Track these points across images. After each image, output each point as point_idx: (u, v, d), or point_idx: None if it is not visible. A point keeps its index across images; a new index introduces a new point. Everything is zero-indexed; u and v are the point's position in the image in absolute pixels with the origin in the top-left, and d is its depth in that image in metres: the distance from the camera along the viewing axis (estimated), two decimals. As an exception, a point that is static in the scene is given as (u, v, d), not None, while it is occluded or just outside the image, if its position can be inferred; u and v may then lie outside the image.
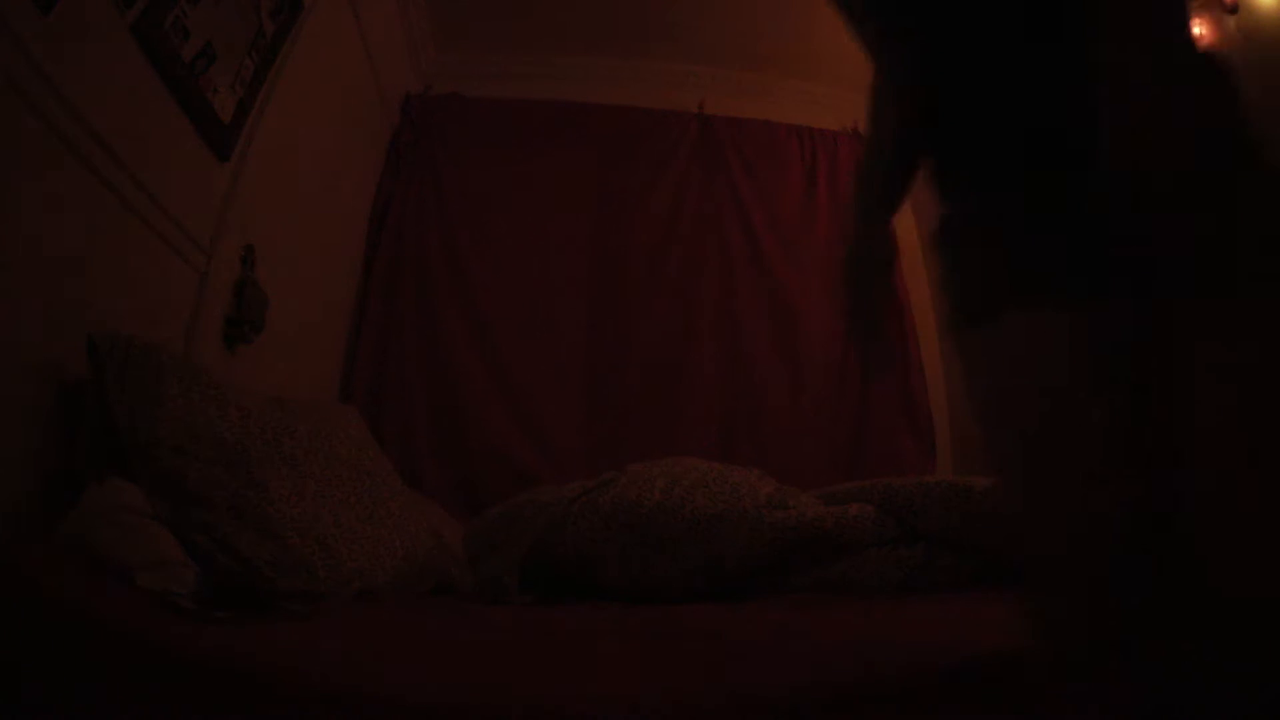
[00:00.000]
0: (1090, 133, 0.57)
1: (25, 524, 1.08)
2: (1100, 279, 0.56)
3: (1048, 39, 0.62)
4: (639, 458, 1.78)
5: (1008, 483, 0.61)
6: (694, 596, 1.38)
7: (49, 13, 1.12)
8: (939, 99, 0.70)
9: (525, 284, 2.84)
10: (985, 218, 0.67)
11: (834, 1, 0.79)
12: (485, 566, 1.56)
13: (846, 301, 0.86)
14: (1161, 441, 0.52)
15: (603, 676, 0.73)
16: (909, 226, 3.20)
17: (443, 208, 2.90)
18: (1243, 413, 0.52)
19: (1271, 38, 1.72)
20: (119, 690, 0.68)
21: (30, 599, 0.77)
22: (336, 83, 2.37)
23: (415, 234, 2.85)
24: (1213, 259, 0.54)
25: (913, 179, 0.83)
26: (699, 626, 0.97)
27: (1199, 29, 1.88)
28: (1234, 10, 1.79)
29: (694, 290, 2.89)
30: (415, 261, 2.81)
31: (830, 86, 3.34)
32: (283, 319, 1.96)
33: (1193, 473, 0.52)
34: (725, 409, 2.72)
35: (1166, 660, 0.48)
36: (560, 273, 2.88)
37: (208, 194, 1.68)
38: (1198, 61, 0.68)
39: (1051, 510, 0.55)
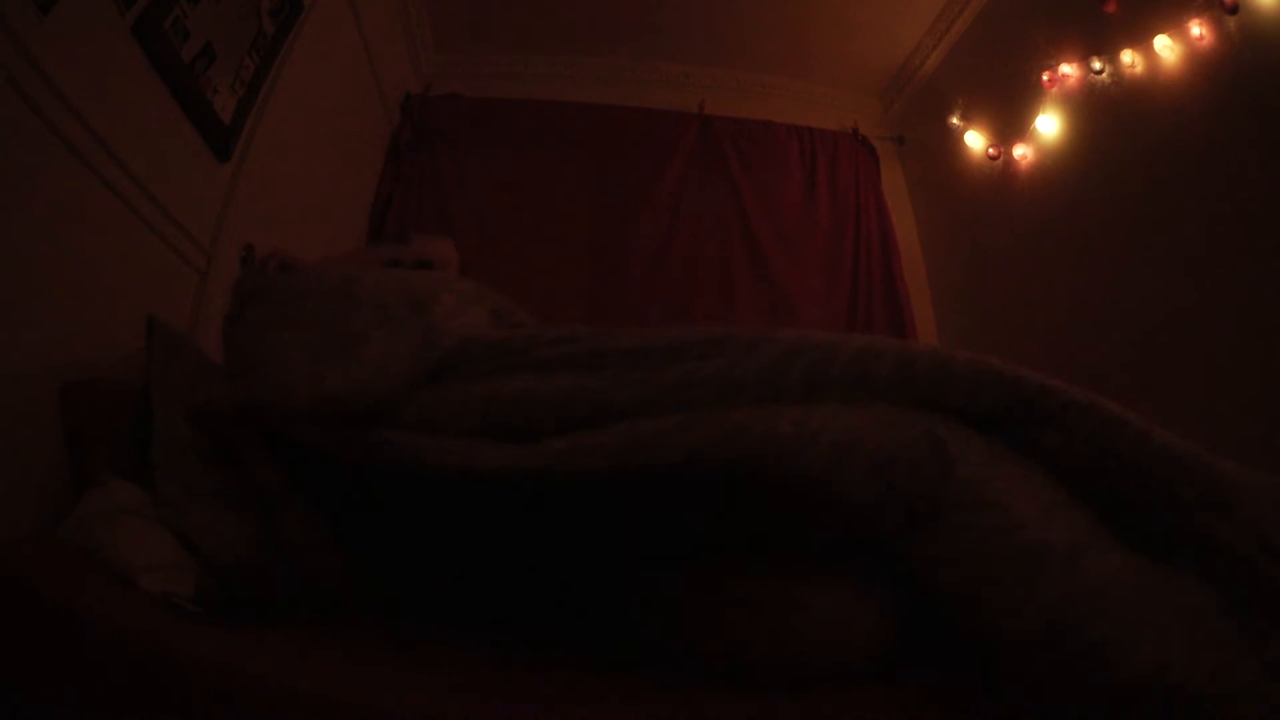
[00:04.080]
0: None
1: (26, 525, 1.08)
2: None
3: None
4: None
5: None
6: None
7: (49, 13, 1.12)
8: None
9: (525, 284, 2.83)
10: None
11: None
12: None
13: None
14: None
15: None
16: (909, 225, 3.21)
17: (442, 207, 2.90)
18: None
19: (1271, 38, 1.72)
20: (121, 693, 0.68)
21: (31, 601, 0.77)
22: (336, 83, 2.36)
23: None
24: None
25: None
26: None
27: (1199, 29, 1.88)
28: (1234, 10, 1.79)
29: (694, 290, 2.89)
30: (415, 261, 2.81)
31: (830, 86, 3.34)
32: (283, 319, 1.95)
33: None
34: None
35: None
36: (560, 273, 2.88)
37: (208, 194, 1.68)
38: None
39: None
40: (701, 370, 0.83)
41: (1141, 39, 2.06)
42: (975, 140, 2.79)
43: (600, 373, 0.88)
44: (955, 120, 2.89)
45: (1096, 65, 2.22)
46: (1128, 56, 2.12)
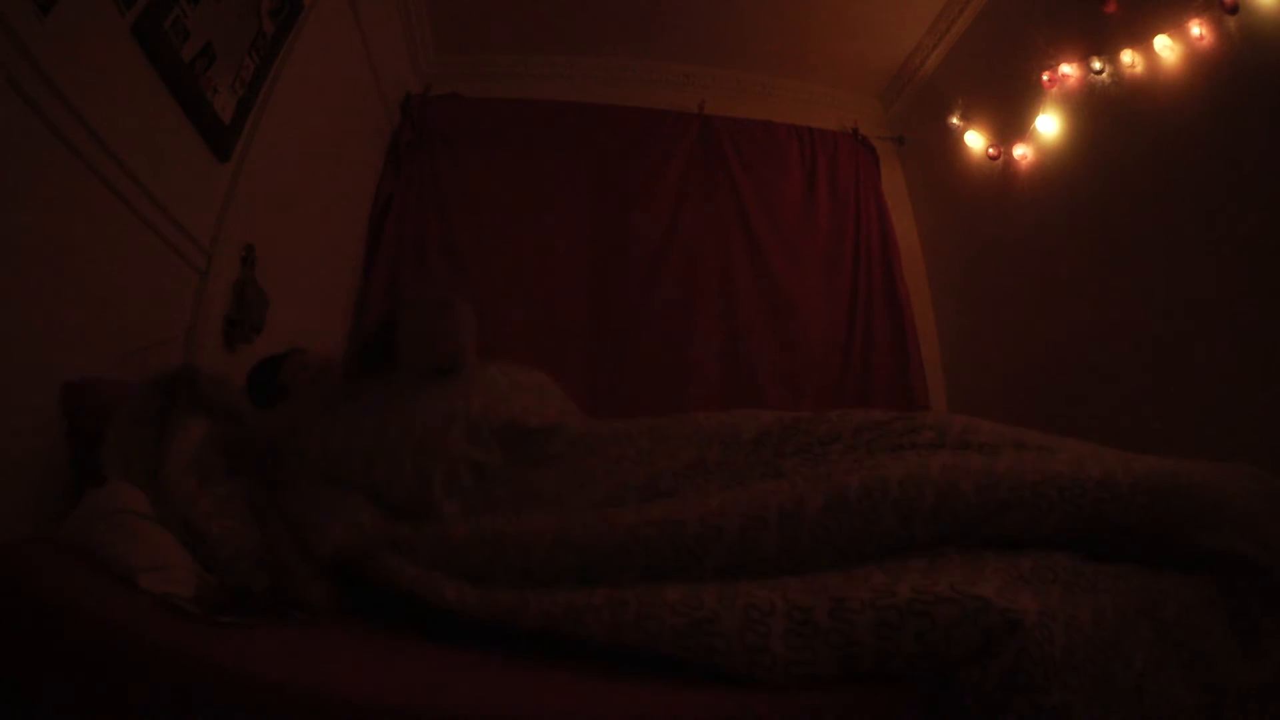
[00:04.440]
0: None
1: (25, 525, 1.08)
2: None
3: None
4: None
5: None
6: None
7: (49, 13, 1.12)
8: None
9: (525, 284, 2.84)
10: None
11: None
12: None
13: None
14: None
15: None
16: (909, 225, 3.21)
17: (442, 208, 2.90)
18: None
19: (1271, 38, 1.72)
20: (121, 693, 0.68)
21: (32, 601, 0.77)
22: (336, 83, 2.36)
23: (415, 234, 2.85)
24: None
25: None
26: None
27: (1199, 29, 1.89)
28: (1234, 10, 1.79)
29: (693, 289, 2.89)
30: (415, 262, 2.81)
31: (830, 87, 3.34)
32: (283, 319, 1.96)
33: None
34: (726, 407, 2.72)
35: None
36: (560, 273, 2.88)
37: (208, 194, 1.68)
38: None
39: None
40: (652, 538, 0.85)
41: (1141, 39, 2.06)
42: (975, 140, 2.79)
43: (562, 517, 0.93)
44: (955, 120, 2.89)
45: (1096, 65, 2.22)
46: (1128, 56, 2.12)
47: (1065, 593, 0.70)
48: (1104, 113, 2.23)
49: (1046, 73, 2.41)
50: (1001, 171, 2.67)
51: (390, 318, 1.24)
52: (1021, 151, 2.55)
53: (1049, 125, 2.43)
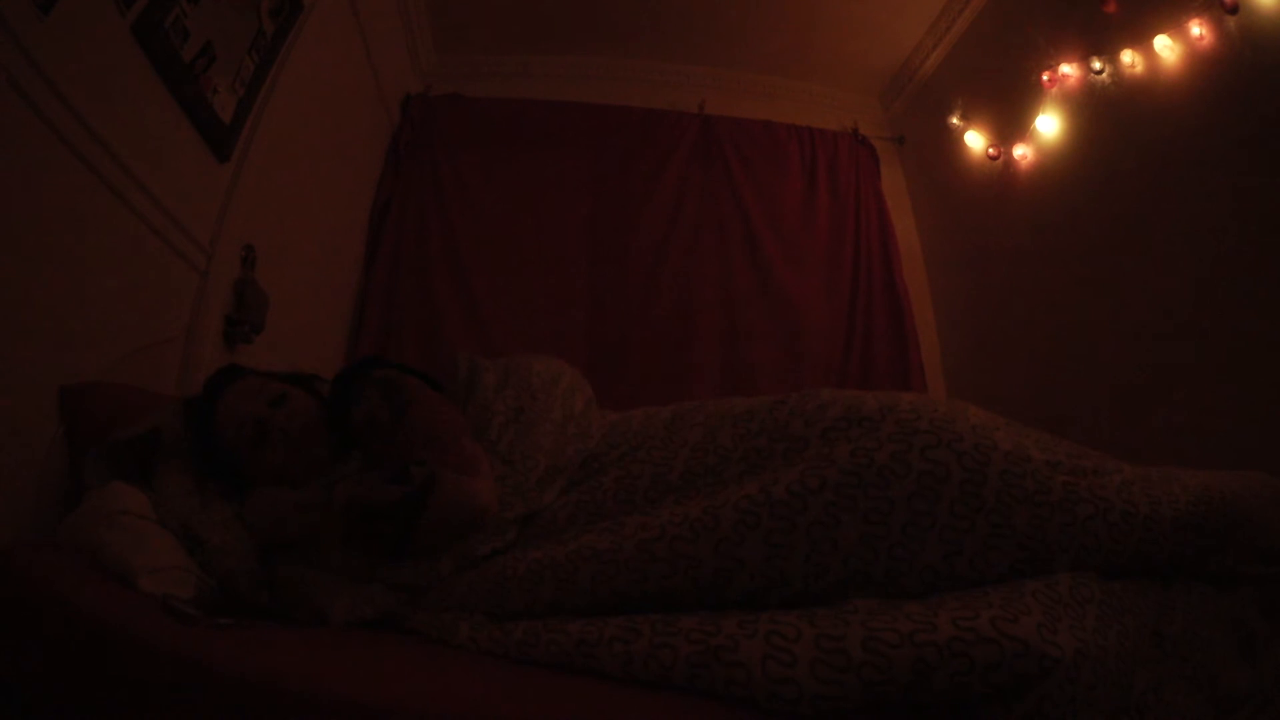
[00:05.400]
0: None
1: (26, 527, 1.08)
2: None
3: None
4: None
5: None
6: None
7: (49, 13, 1.11)
8: None
9: (525, 284, 2.84)
10: None
11: None
12: None
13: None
14: None
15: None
16: (909, 225, 3.21)
17: (443, 208, 2.90)
18: None
19: (1271, 38, 1.72)
20: (121, 693, 0.68)
21: (31, 602, 0.77)
22: (337, 83, 2.36)
23: (415, 234, 2.85)
24: None
25: None
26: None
27: (1199, 29, 1.89)
28: (1234, 10, 1.79)
29: (694, 290, 2.89)
30: (415, 262, 2.81)
31: (830, 86, 3.34)
32: (283, 319, 1.96)
33: None
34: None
35: None
36: (560, 274, 2.88)
37: (208, 194, 1.68)
38: None
39: None
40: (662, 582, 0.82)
41: (1141, 39, 2.06)
42: (975, 140, 2.79)
43: (565, 544, 0.91)
44: (955, 120, 2.89)
45: (1096, 65, 2.22)
46: (1128, 56, 2.12)
47: (1100, 613, 0.68)
48: (1104, 113, 2.23)
49: (1046, 73, 2.41)
50: (1001, 171, 2.67)
51: (411, 495, 0.97)
52: (1021, 151, 2.55)
53: (1049, 125, 2.43)
